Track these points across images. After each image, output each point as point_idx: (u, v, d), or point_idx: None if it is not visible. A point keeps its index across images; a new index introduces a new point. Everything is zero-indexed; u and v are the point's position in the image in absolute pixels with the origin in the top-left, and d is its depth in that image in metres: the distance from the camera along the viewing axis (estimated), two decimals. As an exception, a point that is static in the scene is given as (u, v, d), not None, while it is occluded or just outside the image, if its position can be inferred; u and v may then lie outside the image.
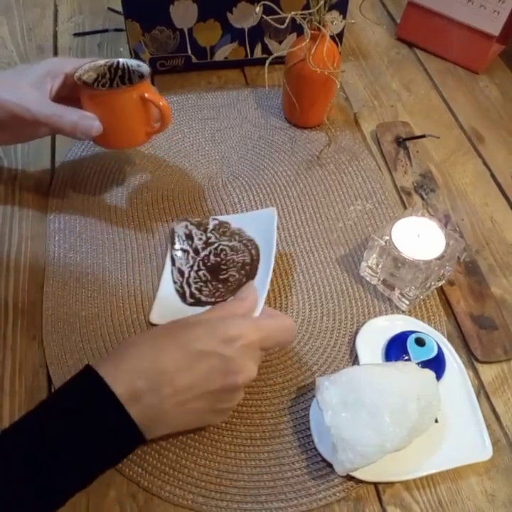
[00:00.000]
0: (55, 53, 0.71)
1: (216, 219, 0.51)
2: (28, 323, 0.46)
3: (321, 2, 0.51)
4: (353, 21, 0.76)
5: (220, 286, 0.46)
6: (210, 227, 0.50)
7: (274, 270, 0.45)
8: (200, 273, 0.47)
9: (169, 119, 0.49)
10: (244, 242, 0.48)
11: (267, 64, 0.55)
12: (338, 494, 0.39)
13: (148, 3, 0.61)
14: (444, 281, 0.49)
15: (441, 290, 0.50)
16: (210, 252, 0.48)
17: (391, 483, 0.39)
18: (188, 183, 0.58)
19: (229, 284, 0.46)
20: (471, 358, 0.46)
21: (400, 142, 0.62)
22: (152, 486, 0.38)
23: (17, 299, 0.48)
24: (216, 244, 0.49)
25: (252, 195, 0.57)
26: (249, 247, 0.47)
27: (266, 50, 0.68)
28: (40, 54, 0.71)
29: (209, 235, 0.50)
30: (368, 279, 0.50)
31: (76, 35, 0.74)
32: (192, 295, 0.47)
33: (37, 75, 0.47)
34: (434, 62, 0.73)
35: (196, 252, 0.49)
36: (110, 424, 0.32)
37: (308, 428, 0.41)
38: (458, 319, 0.48)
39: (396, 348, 0.44)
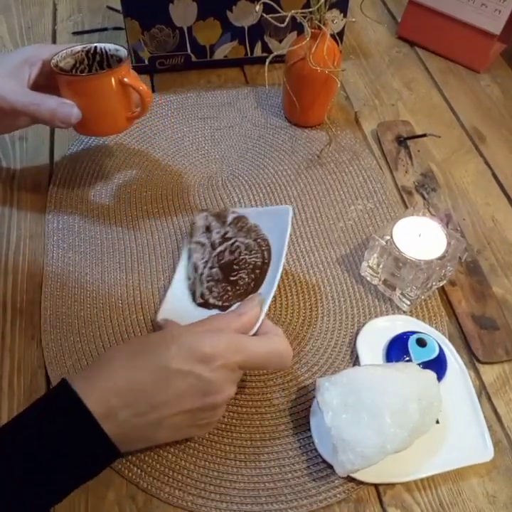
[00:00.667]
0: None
1: (235, 212, 0.50)
2: (26, 323, 0.46)
3: (322, 0, 0.50)
4: (353, 20, 0.76)
5: (229, 288, 0.45)
6: (229, 220, 0.49)
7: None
8: (214, 271, 0.46)
9: (149, 104, 0.48)
10: (259, 241, 0.47)
11: (267, 63, 0.55)
12: (338, 495, 0.38)
13: (147, 1, 0.61)
14: (445, 282, 0.49)
15: (442, 290, 0.49)
16: (225, 248, 0.47)
17: (392, 485, 0.39)
18: (187, 182, 0.58)
19: (237, 287, 0.45)
20: (473, 359, 0.46)
21: (401, 141, 0.62)
22: (151, 488, 0.38)
23: (15, 298, 0.48)
24: (232, 240, 0.48)
25: (252, 194, 0.56)
26: (263, 248, 0.46)
27: (266, 48, 0.68)
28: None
29: (227, 228, 0.49)
30: (368, 279, 0.50)
31: (75, 33, 0.74)
32: (202, 295, 0.46)
33: (14, 63, 0.46)
34: (435, 61, 0.73)
35: (213, 246, 0.48)
36: (84, 440, 0.32)
37: (309, 429, 0.41)
38: (459, 319, 0.47)
39: (397, 349, 0.43)
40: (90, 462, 0.33)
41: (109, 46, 0.49)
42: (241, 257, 0.46)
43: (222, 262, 0.47)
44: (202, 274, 0.47)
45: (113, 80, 0.46)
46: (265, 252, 0.46)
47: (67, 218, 0.53)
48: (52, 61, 0.46)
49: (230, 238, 0.48)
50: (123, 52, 0.48)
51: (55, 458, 0.32)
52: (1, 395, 0.42)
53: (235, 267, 0.46)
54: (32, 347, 0.45)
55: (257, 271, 0.45)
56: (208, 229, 0.49)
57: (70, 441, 0.32)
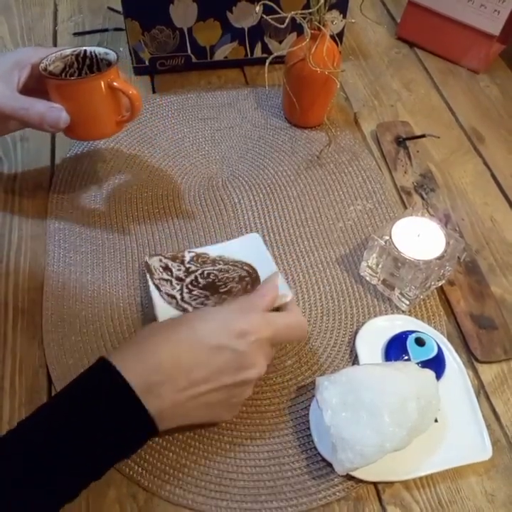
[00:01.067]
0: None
1: (192, 251, 0.48)
2: (28, 322, 0.46)
3: (321, 1, 0.51)
4: (353, 21, 0.76)
5: (224, 297, 0.44)
6: (187, 259, 0.48)
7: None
8: (195, 292, 0.44)
9: (139, 108, 0.47)
10: (231, 263, 0.46)
11: (267, 63, 0.55)
12: (337, 494, 0.39)
13: (148, 2, 0.61)
14: (444, 281, 0.49)
15: (441, 290, 0.50)
16: (195, 278, 0.45)
17: (391, 483, 0.39)
18: (188, 183, 0.58)
19: (234, 294, 0.44)
20: (471, 358, 0.46)
21: (400, 142, 0.62)
22: (152, 486, 0.39)
23: (17, 298, 0.48)
24: (200, 271, 0.46)
25: (252, 195, 0.57)
26: (240, 266, 0.45)
27: (266, 49, 0.68)
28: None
29: (188, 265, 0.47)
30: (367, 278, 0.50)
31: (76, 34, 0.74)
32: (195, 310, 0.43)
33: (4, 67, 0.46)
34: (434, 62, 0.73)
35: (179, 279, 0.45)
36: (125, 414, 0.33)
37: (308, 428, 0.41)
38: (458, 319, 0.48)
39: (396, 348, 0.44)
40: (129, 438, 0.34)
41: (98, 50, 0.49)
42: (220, 276, 0.45)
43: (201, 285, 0.45)
44: (182, 298, 0.44)
45: (102, 83, 0.45)
46: (245, 267, 0.46)
47: (69, 218, 0.54)
48: (41, 65, 0.46)
49: (196, 270, 0.46)
50: (112, 55, 0.48)
51: (95, 433, 0.32)
52: (3, 395, 0.42)
53: (218, 283, 0.45)
54: (33, 347, 0.45)
55: (247, 278, 0.45)
56: (166, 269, 0.47)
57: (111, 416, 0.33)
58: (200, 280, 0.45)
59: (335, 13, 0.65)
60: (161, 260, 0.48)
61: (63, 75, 0.49)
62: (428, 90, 0.69)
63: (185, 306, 0.44)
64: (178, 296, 0.44)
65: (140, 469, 0.39)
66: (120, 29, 0.72)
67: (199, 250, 0.49)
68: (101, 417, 0.32)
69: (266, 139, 0.62)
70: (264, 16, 0.53)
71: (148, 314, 0.47)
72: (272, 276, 0.41)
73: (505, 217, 0.56)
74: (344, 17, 0.66)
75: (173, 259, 0.48)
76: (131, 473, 0.39)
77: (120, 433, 0.33)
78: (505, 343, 0.46)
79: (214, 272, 0.46)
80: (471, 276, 0.51)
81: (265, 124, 0.64)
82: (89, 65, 0.50)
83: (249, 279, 0.45)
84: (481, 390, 0.44)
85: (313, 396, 0.40)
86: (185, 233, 0.53)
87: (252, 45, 0.67)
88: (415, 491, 0.39)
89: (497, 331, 0.47)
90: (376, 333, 0.45)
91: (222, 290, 0.45)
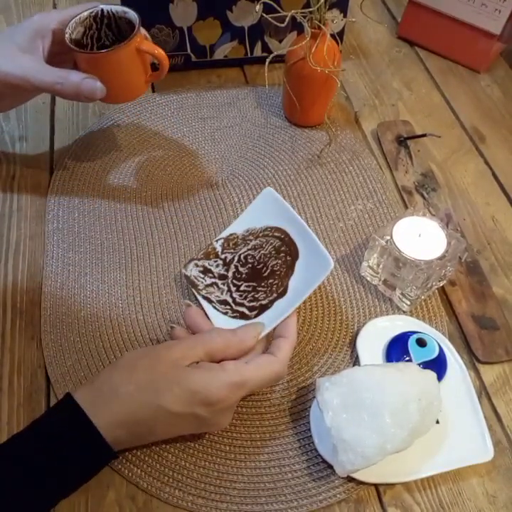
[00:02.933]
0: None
1: (219, 238, 0.48)
2: (26, 323, 0.46)
3: (322, 0, 0.50)
4: (353, 20, 0.76)
5: (271, 281, 0.43)
6: (219, 249, 0.47)
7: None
8: (242, 288, 0.44)
9: (167, 66, 0.48)
10: (261, 234, 0.45)
11: (267, 63, 0.54)
12: (338, 496, 0.38)
13: (147, 1, 0.61)
14: (445, 282, 0.49)
15: (442, 290, 0.49)
16: (236, 268, 0.45)
17: (392, 485, 0.39)
18: (187, 182, 0.58)
19: (278, 272, 0.43)
20: (473, 359, 0.46)
21: (401, 141, 0.62)
22: (151, 488, 0.38)
23: (15, 299, 0.48)
24: (236, 258, 0.45)
25: (252, 194, 0.56)
26: (270, 233, 0.44)
27: (266, 48, 0.68)
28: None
29: (222, 256, 0.46)
30: (368, 279, 0.50)
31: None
32: (251, 308, 0.43)
33: (25, 37, 0.45)
34: (435, 61, 0.73)
35: (222, 277, 0.45)
36: (93, 460, 0.35)
37: (309, 429, 0.41)
38: (459, 320, 0.47)
39: (397, 349, 0.43)
40: (92, 468, 0.36)
41: (116, 8, 0.48)
42: (258, 256, 0.45)
43: (244, 276, 0.45)
44: (234, 300, 0.44)
45: (131, 50, 0.46)
46: (276, 232, 0.45)
47: (67, 218, 0.54)
48: (66, 36, 0.46)
49: (233, 258, 0.46)
50: (132, 14, 0.47)
51: (60, 465, 0.34)
52: (1, 395, 0.42)
53: (258, 266, 0.45)
54: (32, 347, 0.45)
55: (283, 248, 0.44)
56: (205, 271, 0.46)
57: (79, 461, 0.35)
58: (241, 269, 0.45)
59: (335, 12, 0.65)
60: (196, 265, 0.47)
61: (84, 38, 0.49)
62: (429, 89, 0.69)
63: (241, 309, 0.43)
64: (230, 300, 0.44)
65: (139, 471, 0.39)
66: (120, 28, 0.72)
67: (224, 234, 0.48)
68: (70, 461, 0.34)
69: (266, 138, 0.62)
70: (264, 15, 0.53)
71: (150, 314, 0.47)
72: (254, 323, 0.41)
73: (507, 218, 0.56)
74: (344, 16, 0.66)
75: (207, 256, 0.47)
76: (130, 474, 0.39)
77: (83, 467, 0.35)
78: (507, 343, 0.46)
79: (250, 252, 0.45)
80: (472, 276, 0.50)
81: (265, 123, 0.63)
82: (107, 24, 0.50)
83: (286, 248, 0.44)
84: (483, 391, 0.44)
85: (314, 397, 0.40)
86: (184, 233, 0.53)
87: (252, 44, 0.67)
88: (416, 493, 0.39)
89: (499, 332, 0.47)
90: (377, 333, 0.45)
91: (265, 274, 0.44)
